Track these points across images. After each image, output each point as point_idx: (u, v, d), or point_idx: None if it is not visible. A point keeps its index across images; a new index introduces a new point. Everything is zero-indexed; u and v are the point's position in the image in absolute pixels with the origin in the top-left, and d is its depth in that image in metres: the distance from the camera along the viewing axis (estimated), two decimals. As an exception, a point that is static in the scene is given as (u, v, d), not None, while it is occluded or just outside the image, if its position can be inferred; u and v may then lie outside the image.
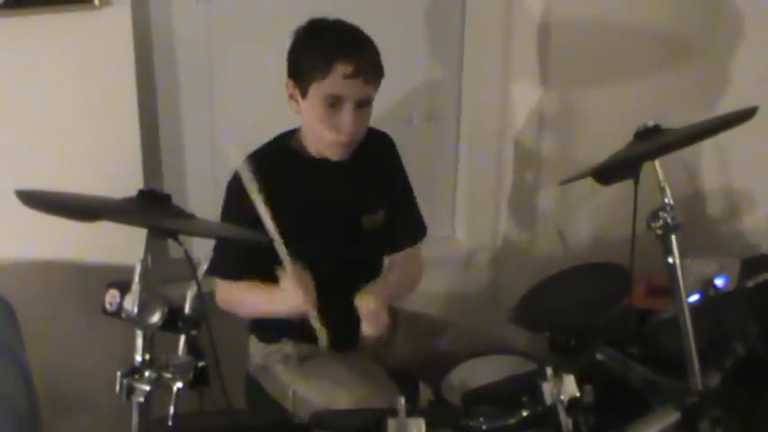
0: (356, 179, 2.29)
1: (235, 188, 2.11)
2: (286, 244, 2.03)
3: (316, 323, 2.12)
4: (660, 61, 3.24)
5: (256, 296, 2.20)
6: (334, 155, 2.19)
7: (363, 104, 2.14)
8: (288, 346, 2.27)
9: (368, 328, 2.17)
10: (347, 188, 2.28)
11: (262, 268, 2.10)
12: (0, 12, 2.24)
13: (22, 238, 2.42)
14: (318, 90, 2.10)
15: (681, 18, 3.23)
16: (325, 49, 2.09)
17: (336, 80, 2.08)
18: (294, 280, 2.04)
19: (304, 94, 2.13)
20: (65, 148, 2.45)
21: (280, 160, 2.22)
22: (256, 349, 2.32)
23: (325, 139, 2.15)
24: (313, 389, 2.16)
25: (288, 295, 2.06)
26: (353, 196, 2.30)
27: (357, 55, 2.10)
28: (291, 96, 2.17)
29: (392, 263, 2.43)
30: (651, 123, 2.02)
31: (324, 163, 2.21)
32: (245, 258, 2.15)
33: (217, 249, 2.17)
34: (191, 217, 1.61)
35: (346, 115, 2.11)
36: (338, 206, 2.26)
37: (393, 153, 2.40)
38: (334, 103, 2.10)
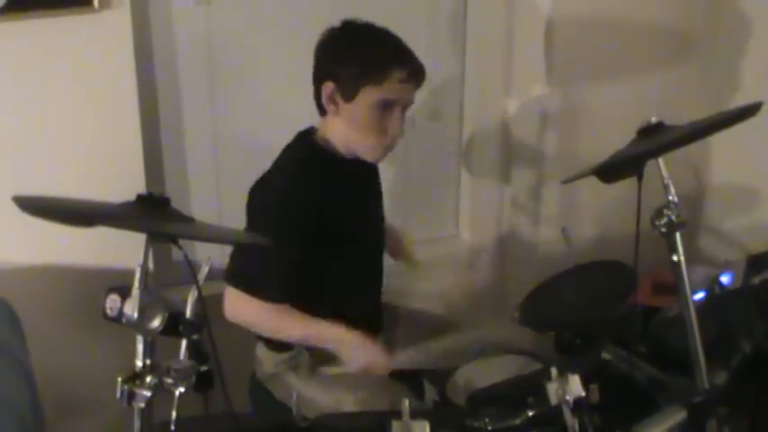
0: (374, 177, 2.36)
1: (290, 204, 2.10)
2: (334, 248, 2.10)
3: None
4: (664, 58, 3.23)
5: (303, 328, 2.16)
6: (373, 157, 2.20)
7: (407, 108, 2.17)
8: (301, 355, 2.26)
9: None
10: (372, 187, 2.34)
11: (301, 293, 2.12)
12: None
13: (25, 243, 2.42)
14: (371, 94, 2.09)
15: (685, 15, 3.22)
16: (382, 55, 2.11)
17: (392, 85, 2.09)
18: (371, 352, 2.10)
19: (350, 98, 2.11)
20: (66, 152, 2.45)
21: (323, 166, 2.19)
22: (265, 356, 2.30)
23: (369, 142, 2.15)
24: (318, 392, 2.16)
25: (354, 355, 2.10)
26: (376, 194, 2.37)
27: (411, 60, 2.13)
28: (330, 99, 2.14)
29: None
30: (654, 120, 2.01)
31: (355, 163, 2.21)
32: (288, 279, 2.11)
33: (257, 266, 2.12)
34: (190, 221, 1.60)
35: (396, 119, 2.13)
36: (369, 205, 2.31)
37: None
38: (385, 107, 2.11)
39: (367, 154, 2.18)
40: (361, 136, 2.15)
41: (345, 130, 2.16)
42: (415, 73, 2.12)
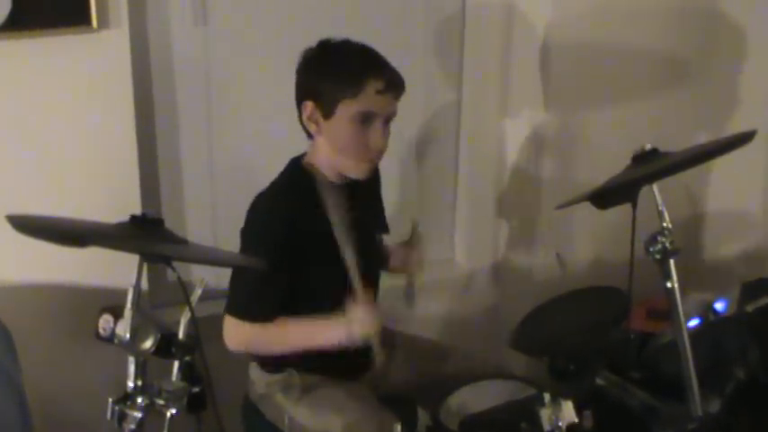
0: (368, 196, 2.32)
1: (272, 225, 2.10)
2: (320, 269, 2.06)
3: (376, 346, 2.07)
4: (659, 84, 3.24)
5: (303, 332, 2.12)
6: (359, 173, 2.16)
7: (389, 121, 2.14)
8: (293, 377, 2.25)
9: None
10: (363, 207, 2.28)
11: (286, 305, 2.11)
12: (-3, 35, 2.25)
13: (18, 259, 2.41)
14: (348, 108, 2.07)
15: (680, 41, 3.23)
16: (355, 66, 2.08)
17: (368, 97, 2.06)
18: (366, 308, 2.02)
19: (329, 115, 2.10)
20: (62, 171, 2.44)
21: (305, 190, 2.16)
22: (258, 377, 2.29)
23: (351, 158, 2.13)
24: (309, 415, 2.15)
25: (355, 325, 2.02)
26: (369, 214, 2.33)
27: (387, 70, 2.10)
28: (310, 118, 2.13)
29: None
30: (648, 147, 2.01)
31: (342, 186, 2.19)
32: (279, 297, 2.11)
33: (246, 290, 2.11)
34: (183, 242, 1.60)
35: (377, 132, 2.10)
36: (360, 227, 2.26)
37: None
38: (365, 120, 2.08)
39: (351, 170, 2.16)
40: (344, 152, 2.13)
41: (329, 150, 2.14)
42: (392, 83, 2.09)
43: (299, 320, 2.10)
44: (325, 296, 2.13)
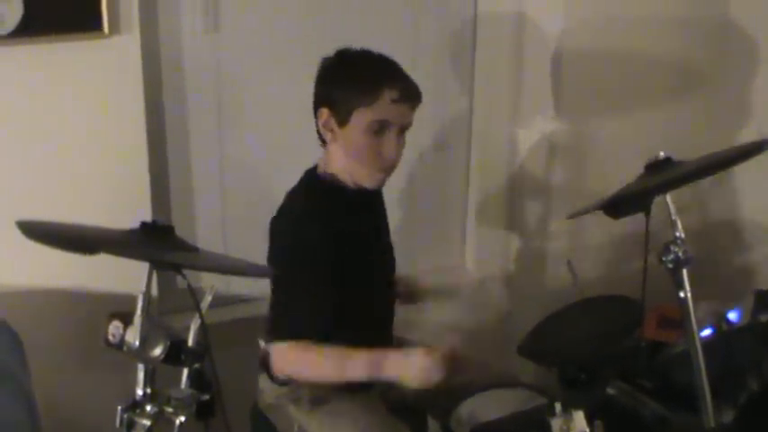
0: (380, 205, 2.32)
1: (306, 229, 2.07)
2: (357, 279, 2.08)
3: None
4: (672, 91, 3.23)
5: (363, 360, 2.02)
6: (372, 183, 2.16)
7: (404, 131, 2.14)
8: (302, 389, 2.23)
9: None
10: (378, 215, 2.30)
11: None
12: (9, 40, 2.25)
13: (28, 266, 2.41)
14: (363, 116, 2.07)
15: (692, 49, 3.22)
16: (371, 75, 2.08)
17: (384, 105, 2.06)
18: (435, 360, 1.94)
19: (344, 122, 2.09)
20: (72, 177, 2.45)
21: (326, 196, 2.17)
22: (267, 386, 2.28)
23: (365, 167, 2.13)
24: (319, 425, 2.14)
25: (416, 371, 1.95)
26: (382, 222, 2.33)
27: (403, 80, 2.10)
28: (326, 126, 2.13)
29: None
30: (662, 156, 2.00)
31: (360, 193, 2.19)
32: (327, 307, 2.05)
33: (301, 306, 2.06)
34: (193, 249, 1.59)
35: (391, 141, 2.10)
36: (378, 234, 2.27)
37: None
38: (379, 129, 2.08)
39: (365, 179, 2.15)
40: (357, 161, 2.12)
41: (344, 157, 2.14)
42: (408, 92, 2.09)
43: (358, 349, 2.02)
44: (358, 310, 2.12)
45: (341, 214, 2.12)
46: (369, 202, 2.25)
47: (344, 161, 2.14)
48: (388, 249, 2.36)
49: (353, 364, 2.02)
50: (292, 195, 2.19)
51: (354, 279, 2.11)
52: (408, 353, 1.99)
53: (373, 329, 2.23)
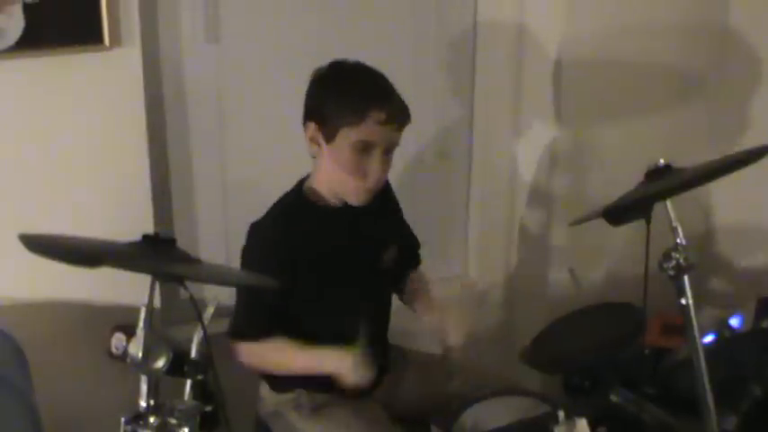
0: (371, 220, 2.27)
1: (273, 241, 2.13)
2: (313, 294, 2.11)
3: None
4: (672, 99, 3.23)
5: (299, 361, 2.16)
6: (357, 201, 2.16)
7: (390, 151, 2.13)
8: (302, 396, 2.24)
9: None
10: (365, 231, 2.26)
11: (287, 326, 2.14)
12: (11, 53, 2.26)
13: (31, 277, 2.41)
14: (348, 136, 2.07)
15: (693, 56, 3.22)
16: (359, 96, 2.07)
17: (369, 127, 2.06)
18: (362, 361, 2.05)
19: (330, 139, 2.10)
20: (74, 189, 2.45)
21: (304, 213, 2.19)
22: (268, 395, 2.29)
23: (350, 185, 2.13)
24: (319, 432, 2.15)
25: (348, 370, 2.05)
26: (371, 237, 2.29)
27: (390, 101, 2.09)
28: (312, 139, 2.13)
29: (416, 281, 2.46)
30: (662, 163, 2.00)
31: (342, 210, 2.19)
32: (274, 316, 2.14)
33: (241, 309, 2.17)
34: (196, 261, 1.59)
35: (375, 162, 2.10)
36: (360, 250, 2.25)
37: (390, 187, 2.38)
38: (364, 149, 2.08)
39: (349, 196, 2.16)
40: (342, 178, 2.12)
41: (329, 172, 2.15)
42: (394, 115, 2.08)
43: (301, 346, 2.13)
44: (326, 320, 2.17)
45: (310, 230, 2.15)
46: (350, 220, 2.22)
47: (330, 175, 2.15)
48: (372, 267, 2.30)
49: (295, 359, 2.15)
50: (274, 203, 2.20)
51: (319, 292, 2.16)
52: (343, 353, 2.06)
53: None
